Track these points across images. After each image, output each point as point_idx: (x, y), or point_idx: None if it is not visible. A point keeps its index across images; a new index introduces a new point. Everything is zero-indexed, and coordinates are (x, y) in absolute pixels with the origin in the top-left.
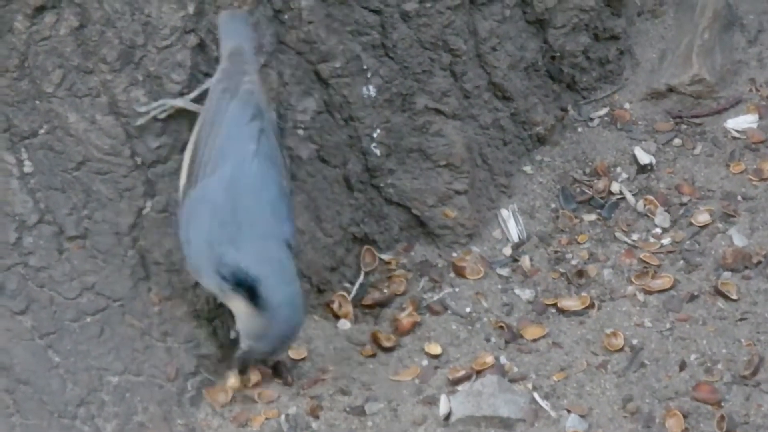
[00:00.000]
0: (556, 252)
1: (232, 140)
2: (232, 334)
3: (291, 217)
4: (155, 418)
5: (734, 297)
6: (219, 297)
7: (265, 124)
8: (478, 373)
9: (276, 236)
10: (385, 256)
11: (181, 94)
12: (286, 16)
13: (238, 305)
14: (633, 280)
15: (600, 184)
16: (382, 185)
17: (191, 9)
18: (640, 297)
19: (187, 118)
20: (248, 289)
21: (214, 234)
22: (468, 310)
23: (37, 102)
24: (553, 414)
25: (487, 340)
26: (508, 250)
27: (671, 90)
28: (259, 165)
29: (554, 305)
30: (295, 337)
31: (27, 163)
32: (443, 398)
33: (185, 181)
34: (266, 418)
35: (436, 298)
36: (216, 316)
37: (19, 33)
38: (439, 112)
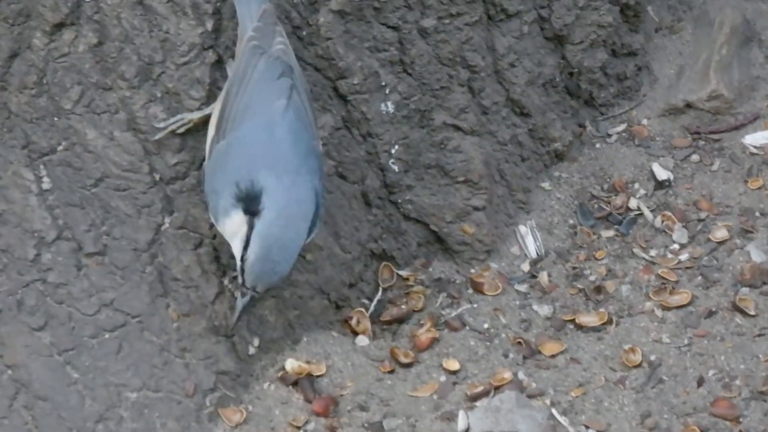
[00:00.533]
0: (574, 268)
1: (261, 95)
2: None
3: (322, 175)
4: None
5: (752, 313)
6: (228, 235)
7: (296, 82)
8: (497, 389)
9: (304, 179)
10: (404, 272)
11: (201, 109)
12: (304, 33)
13: (234, 222)
14: (651, 296)
15: (618, 200)
16: (400, 201)
17: (209, 26)
18: (658, 313)
19: (205, 133)
20: (251, 201)
21: (240, 167)
22: (486, 326)
23: (56, 119)
24: (571, 430)
25: (506, 356)
26: (526, 266)
27: (689, 106)
28: (290, 120)
29: (572, 321)
30: (285, 263)
31: (45, 179)
32: (461, 414)
33: (213, 134)
34: (290, 426)
35: (454, 314)
36: (234, 332)
37: (37, 50)
38: (457, 128)
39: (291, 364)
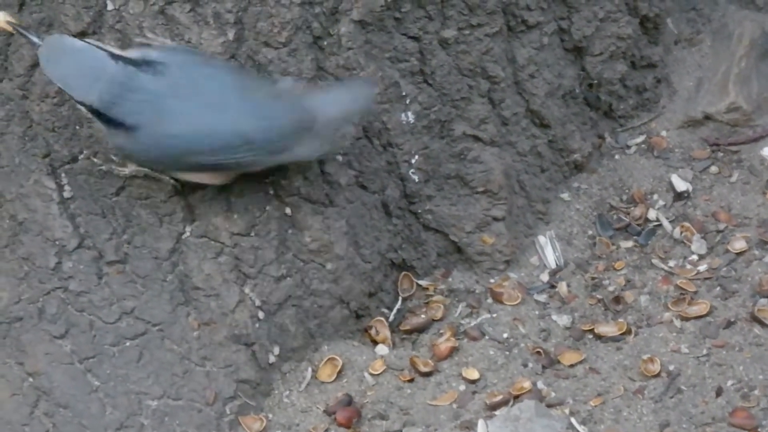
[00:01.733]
0: (593, 278)
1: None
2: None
3: (256, 115)
4: None
5: None
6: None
7: None
8: (516, 398)
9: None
10: (423, 282)
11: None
12: (325, 43)
13: None
14: (670, 306)
15: (637, 211)
16: (420, 211)
17: (231, 35)
18: (677, 323)
19: None
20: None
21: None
22: (505, 335)
23: (77, 127)
24: None
25: (525, 365)
26: (545, 277)
27: (708, 118)
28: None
29: (591, 331)
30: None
31: (67, 188)
32: (481, 423)
33: None
34: None
35: (473, 323)
36: (257, 340)
37: None
38: (477, 138)
39: (311, 373)
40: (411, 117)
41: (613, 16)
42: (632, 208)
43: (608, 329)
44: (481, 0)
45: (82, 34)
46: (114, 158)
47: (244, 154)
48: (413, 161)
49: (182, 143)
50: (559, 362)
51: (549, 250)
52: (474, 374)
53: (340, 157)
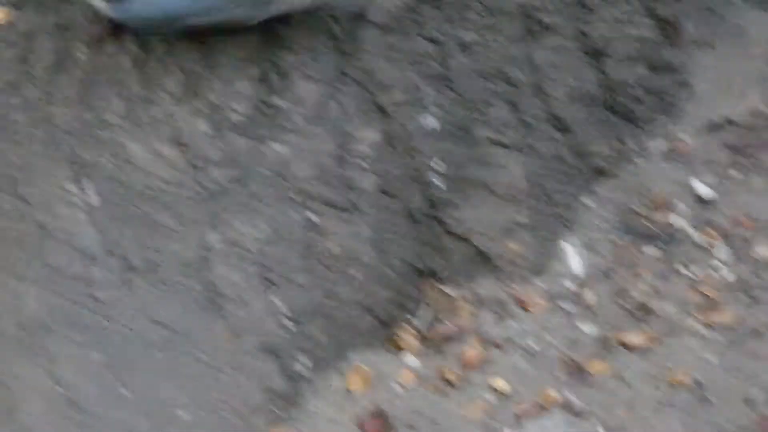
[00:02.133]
0: (618, 286)
1: None
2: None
3: None
4: None
5: None
6: None
7: None
8: (544, 408)
9: None
10: (448, 290)
11: (243, 124)
12: (346, 47)
13: None
14: (696, 314)
15: (660, 217)
16: (443, 218)
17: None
18: (704, 332)
19: (253, 153)
20: None
21: None
22: (533, 344)
23: (100, 132)
24: None
25: (553, 375)
26: (569, 283)
27: (729, 122)
28: None
29: (618, 340)
30: None
31: (92, 194)
32: None
33: None
34: None
35: (500, 332)
36: (285, 349)
37: (81, 61)
38: (499, 143)
39: (340, 383)
40: (432, 121)
41: (632, 19)
42: (655, 214)
43: (635, 338)
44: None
45: (99, 40)
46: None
47: (232, 11)
48: (436, 166)
49: (174, 7)
50: (587, 372)
51: (573, 257)
52: (502, 384)
53: (363, 163)
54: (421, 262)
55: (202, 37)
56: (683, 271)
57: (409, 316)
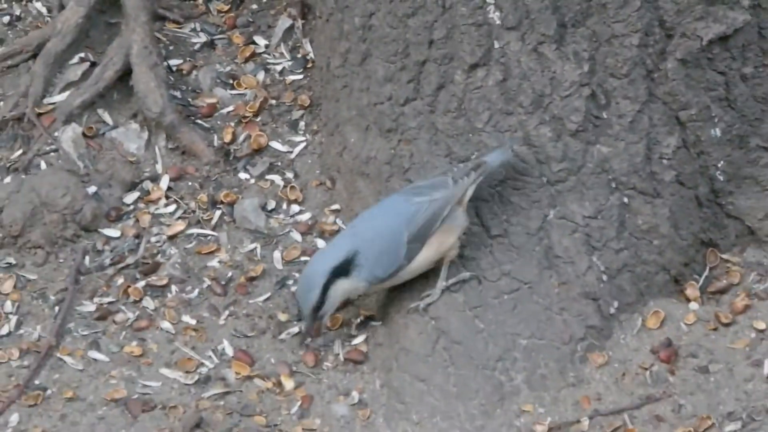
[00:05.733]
0: None
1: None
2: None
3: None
4: (553, 372)
5: None
6: None
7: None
8: None
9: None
10: (725, 256)
11: (577, 131)
12: (656, 75)
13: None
14: None
15: None
16: (723, 203)
17: (585, 68)
18: None
19: (583, 153)
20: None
21: None
22: None
23: (470, 135)
24: None
25: None
26: None
27: None
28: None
29: None
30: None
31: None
32: (767, 362)
33: None
34: (639, 368)
35: (762, 287)
36: (601, 296)
37: (458, 83)
38: (766, 149)
39: (641, 322)
40: (718, 132)
41: None
42: None
43: None
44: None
45: (475, 66)
46: None
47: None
48: (719, 165)
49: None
50: None
51: None
52: (762, 325)
53: (665, 161)
54: (705, 236)
55: None
56: None
57: (695, 275)
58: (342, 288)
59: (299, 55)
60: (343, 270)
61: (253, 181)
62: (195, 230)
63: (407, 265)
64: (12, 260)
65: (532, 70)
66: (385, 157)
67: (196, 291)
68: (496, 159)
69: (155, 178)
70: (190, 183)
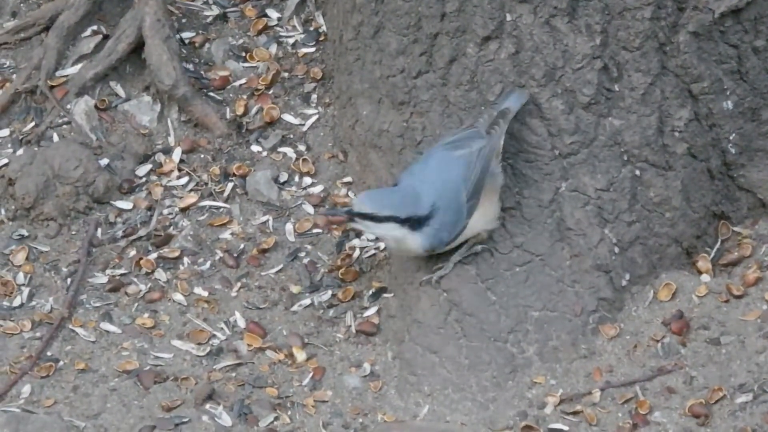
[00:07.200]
0: None
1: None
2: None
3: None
4: (565, 344)
5: None
6: None
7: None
8: None
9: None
10: (737, 229)
11: (590, 104)
12: (668, 48)
13: None
14: None
15: None
16: (735, 176)
17: (597, 41)
18: None
19: (595, 125)
20: None
21: None
22: None
23: (483, 108)
24: None
25: None
26: None
27: None
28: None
29: None
30: None
31: None
32: None
33: None
34: (651, 340)
35: None
36: (613, 268)
37: (470, 56)
38: None
39: (652, 294)
40: (730, 105)
41: None
42: None
43: None
44: None
45: (487, 38)
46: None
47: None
48: (731, 138)
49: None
50: None
51: None
52: None
53: (677, 134)
54: (717, 208)
55: None
56: None
57: (707, 248)
58: (399, 237)
59: (312, 28)
60: (415, 223)
61: (265, 153)
62: (207, 202)
63: (465, 227)
64: (24, 232)
65: (544, 42)
66: (398, 130)
67: (209, 263)
68: (516, 103)
69: (168, 151)
70: (202, 155)
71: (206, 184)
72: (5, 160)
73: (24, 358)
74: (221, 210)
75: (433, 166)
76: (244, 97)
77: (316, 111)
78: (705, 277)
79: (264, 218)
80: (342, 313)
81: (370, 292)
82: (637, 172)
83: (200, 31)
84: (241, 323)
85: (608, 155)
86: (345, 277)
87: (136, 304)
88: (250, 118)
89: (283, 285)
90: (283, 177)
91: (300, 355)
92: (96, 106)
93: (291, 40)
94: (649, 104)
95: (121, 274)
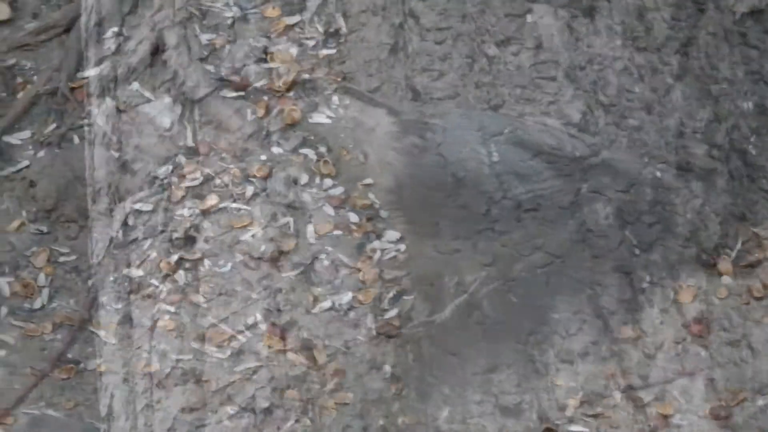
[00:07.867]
0: None
1: None
2: None
3: None
4: (586, 346)
5: None
6: None
7: None
8: None
9: None
10: (757, 230)
11: (610, 105)
12: (688, 49)
13: None
14: None
15: None
16: (755, 177)
17: (618, 42)
18: None
19: (615, 128)
20: None
21: None
22: None
23: (501, 110)
24: None
25: None
26: None
27: None
28: None
29: None
30: None
31: (495, 154)
32: None
33: None
34: (671, 342)
35: None
36: (633, 270)
37: (490, 57)
38: None
39: (673, 296)
40: (750, 106)
41: None
42: None
43: None
44: None
45: (506, 40)
46: None
47: None
48: (751, 139)
49: None
50: None
51: None
52: None
53: (698, 135)
54: (737, 209)
55: None
56: None
57: (727, 249)
58: None
59: (332, 30)
60: None
61: (286, 155)
62: (228, 204)
63: None
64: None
65: (564, 44)
66: (417, 131)
67: (229, 265)
68: None
69: (188, 152)
70: (223, 157)
71: (227, 185)
72: (26, 162)
73: (45, 360)
74: (242, 212)
75: None
76: (265, 98)
77: (336, 113)
78: (725, 279)
79: (284, 220)
80: (362, 315)
81: (391, 294)
82: (658, 174)
83: (221, 33)
84: (262, 325)
85: (628, 156)
86: (365, 279)
87: (156, 306)
88: (270, 119)
89: (304, 287)
90: (304, 178)
91: (321, 357)
92: (117, 108)
93: (311, 42)
94: (669, 105)
95: (142, 276)
